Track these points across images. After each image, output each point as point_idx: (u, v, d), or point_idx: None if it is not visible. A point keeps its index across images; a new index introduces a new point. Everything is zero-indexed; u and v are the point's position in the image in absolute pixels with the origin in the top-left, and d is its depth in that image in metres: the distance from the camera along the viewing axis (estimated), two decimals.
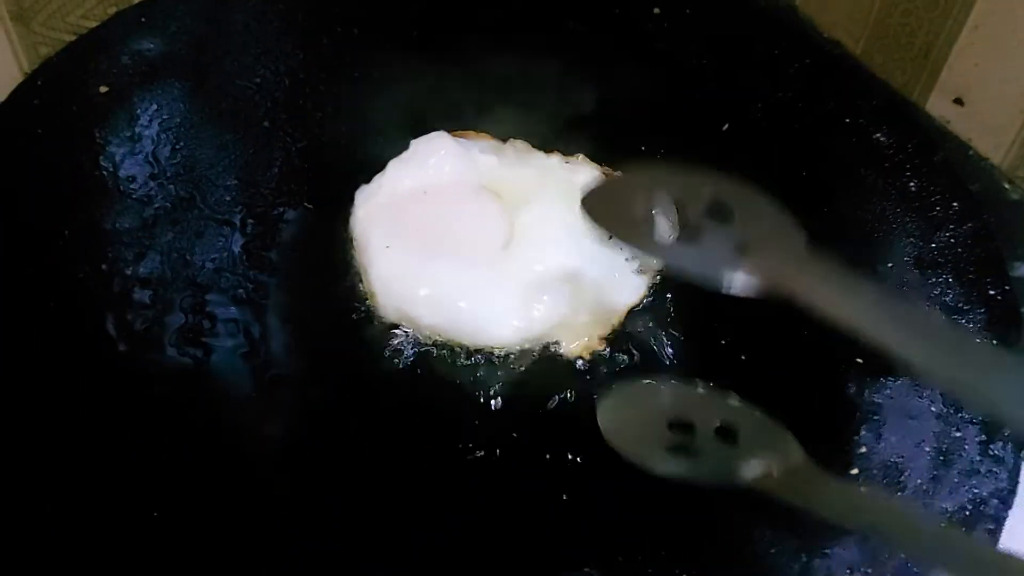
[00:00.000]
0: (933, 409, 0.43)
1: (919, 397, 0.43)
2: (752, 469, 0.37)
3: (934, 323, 0.40)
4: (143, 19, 0.57)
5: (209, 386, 0.44)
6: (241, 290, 0.47)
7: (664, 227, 0.41)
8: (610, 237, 0.44)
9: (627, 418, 0.40)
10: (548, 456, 0.41)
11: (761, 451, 0.38)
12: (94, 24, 0.60)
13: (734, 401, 0.40)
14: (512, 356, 0.45)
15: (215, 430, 0.43)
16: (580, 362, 0.45)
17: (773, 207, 0.41)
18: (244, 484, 0.41)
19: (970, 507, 0.39)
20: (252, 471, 0.42)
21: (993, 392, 0.33)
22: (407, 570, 0.39)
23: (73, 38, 0.58)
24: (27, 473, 0.40)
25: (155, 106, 0.53)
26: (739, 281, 0.39)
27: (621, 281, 0.47)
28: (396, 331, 0.46)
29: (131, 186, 0.50)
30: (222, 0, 0.59)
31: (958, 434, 0.42)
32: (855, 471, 0.41)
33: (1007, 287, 0.46)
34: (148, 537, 0.39)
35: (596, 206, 0.43)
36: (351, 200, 0.49)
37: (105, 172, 0.51)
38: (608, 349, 0.46)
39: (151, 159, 0.51)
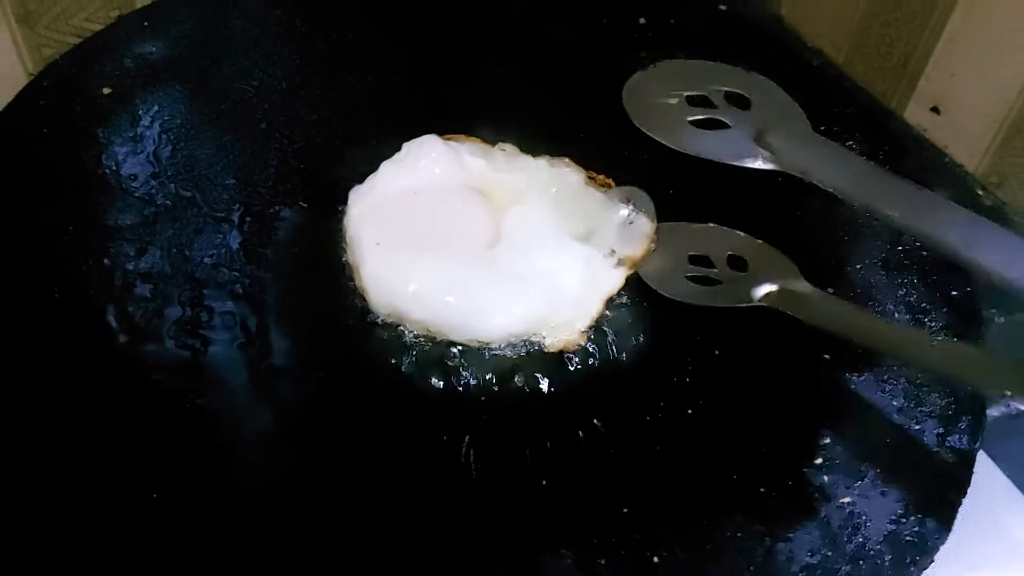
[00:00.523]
0: (895, 403, 0.44)
1: (881, 392, 0.45)
2: (760, 290, 0.45)
3: (926, 197, 0.44)
4: (146, 23, 0.58)
5: (206, 376, 0.45)
6: (238, 285, 0.48)
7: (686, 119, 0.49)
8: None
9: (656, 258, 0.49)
10: (529, 445, 0.43)
11: (766, 275, 0.46)
12: (97, 27, 0.62)
13: (741, 234, 0.49)
14: (498, 350, 0.46)
15: (211, 419, 0.44)
16: (563, 355, 0.46)
17: (783, 94, 0.49)
18: (238, 472, 0.42)
19: (927, 495, 0.41)
20: (246, 460, 0.43)
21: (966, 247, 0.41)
22: (390, 548, 0.40)
23: (77, 40, 0.60)
24: (28, 461, 0.41)
25: (156, 107, 0.55)
26: (759, 162, 0.47)
27: (601, 277, 0.49)
28: (386, 325, 0.47)
29: (133, 184, 0.51)
30: (222, 5, 0.60)
31: (917, 427, 0.43)
32: (819, 460, 0.42)
33: (968, 288, 0.48)
34: (143, 525, 0.40)
35: (632, 102, 0.50)
36: (345, 200, 0.51)
37: (108, 171, 0.52)
38: (589, 342, 0.47)
39: (152, 158, 0.53)
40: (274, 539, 0.40)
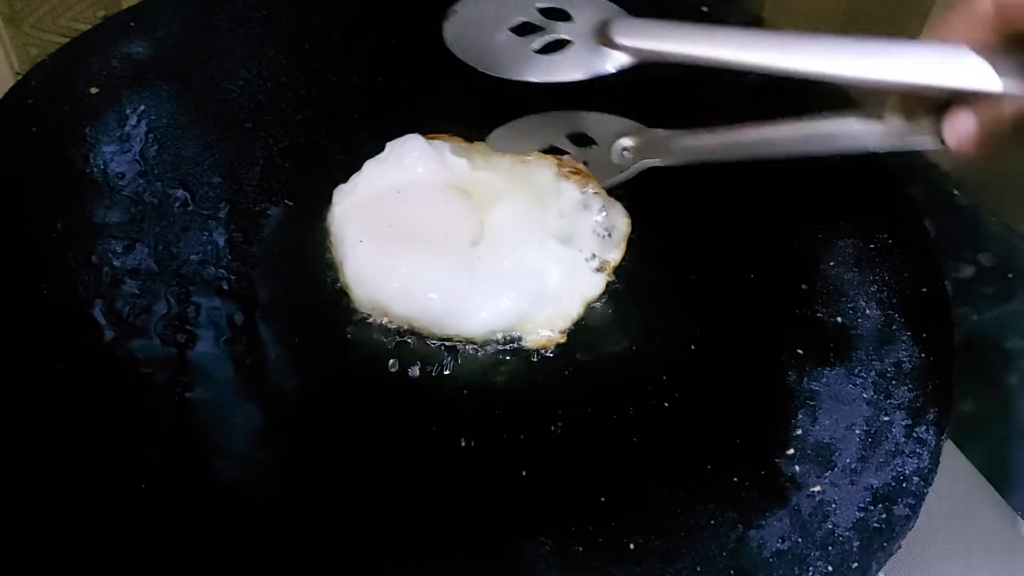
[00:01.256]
0: (864, 396, 0.45)
1: (852, 385, 0.46)
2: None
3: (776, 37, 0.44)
4: (132, 23, 0.59)
5: (193, 371, 0.45)
6: (224, 282, 0.49)
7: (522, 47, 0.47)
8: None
9: None
10: (506, 437, 0.44)
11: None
12: (83, 26, 0.62)
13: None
14: (479, 346, 0.47)
15: (199, 413, 0.44)
16: (542, 353, 0.47)
17: None
18: (225, 465, 0.43)
19: (894, 484, 0.42)
20: (233, 453, 0.43)
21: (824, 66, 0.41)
22: (374, 538, 0.41)
23: (63, 40, 0.60)
24: (15, 455, 0.42)
25: (143, 107, 0.55)
26: (611, 65, 0.46)
27: (581, 278, 0.50)
28: (370, 321, 0.48)
29: (120, 183, 0.52)
30: (208, 6, 0.61)
31: (886, 418, 0.44)
32: (791, 451, 0.43)
33: (939, 285, 0.49)
34: (131, 518, 0.40)
35: (458, 42, 0.48)
36: (329, 198, 0.51)
37: (95, 169, 0.52)
38: (568, 341, 0.48)
39: (139, 157, 0.53)
40: (262, 530, 0.41)
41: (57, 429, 0.43)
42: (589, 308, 0.49)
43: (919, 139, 0.42)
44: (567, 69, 0.48)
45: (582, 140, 0.54)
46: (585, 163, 0.52)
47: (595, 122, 0.54)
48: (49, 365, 0.45)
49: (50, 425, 0.43)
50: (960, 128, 0.39)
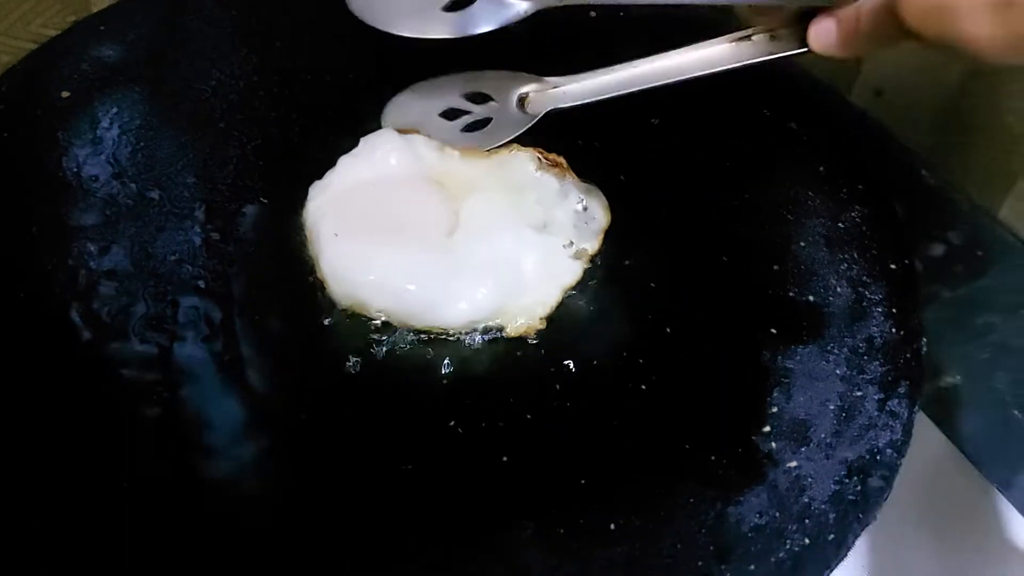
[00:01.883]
0: (838, 372, 0.46)
1: (825, 362, 0.46)
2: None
3: None
4: (102, 27, 0.59)
5: (172, 371, 0.46)
6: (201, 281, 0.49)
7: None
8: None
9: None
10: (488, 423, 0.44)
11: None
12: (53, 32, 0.62)
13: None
14: (459, 336, 0.48)
15: (180, 412, 0.44)
16: (522, 340, 0.48)
17: None
18: (207, 463, 0.43)
19: (868, 456, 0.43)
20: (215, 451, 0.44)
21: None
22: (357, 528, 0.41)
23: (33, 46, 0.60)
24: None
25: (115, 109, 0.55)
26: (519, 10, 0.47)
27: (558, 265, 0.50)
28: (349, 315, 0.48)
29: (94, 185, 0.52)
30: (177, 7, 0.61)
31: (859, 393, 0.45)
32: (767, 428, 0.44)
33: (907, 262, 0.50)
34: (113, 519, 0.41)
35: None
36: (304, 195, 0.52)
37: (69, 172, 0.52)
38: (548, 328, 0.48)
39: (112, 159, 0.53)
40: (248, 522, 0.41)
41: (37, 430, 0.43)
42: (567, 295, 0.50)
43: (788, 49, 0.48)
44: (468, 25, 0.49)
45: (480, 98, 0.55)
46: (489, 120, 0.54)
47: (490, 79, 0.55)
48: (28, 368, 0.45)
49: (29, 426, 0.43)
50: (823, 32, 0.45)
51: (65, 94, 0.55)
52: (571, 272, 0.50)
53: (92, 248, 0.50)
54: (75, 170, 0.53)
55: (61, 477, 0.42)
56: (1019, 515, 0.50)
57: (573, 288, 0.50)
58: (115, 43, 0.58)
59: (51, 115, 0.54)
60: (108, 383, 0.45)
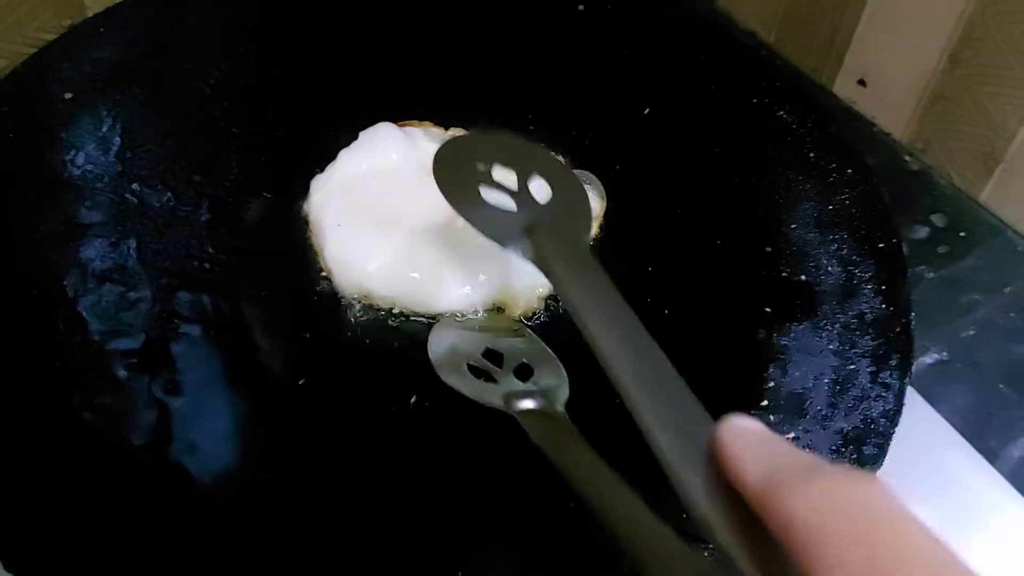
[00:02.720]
0: (831, 347, 0.47)
1: (818, 338, 0.48)
2: (527, 404, 0.42)
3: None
4: (101, 29, 0.59)
5: (180, 363, 0.46)
6: (208, 276, 0.50)
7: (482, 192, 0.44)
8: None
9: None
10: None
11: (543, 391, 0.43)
12: (50, 36, 0.63)
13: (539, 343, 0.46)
14: (463, 320, 0.48)
15: (186, 403, 0.45)
16: (524, 322, 0.49)
17: (582, 198, 0.43)
18: (213, 454, 0.44)
19: (862, 426, 0.44)
20: (222, 443, 0.44)
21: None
22: (354, 512, 0.42)
23: (30, 50, 0.60)
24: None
25: (118, 110, 0.56)
26: (519, 253, 0.43)
27: None
28: (355, 303, 0.49)
29: (100, 184, 0.53)
30: (175, 7, 0.61)
31: (852, 367, 0.47)
32: (765, 402, 0.46)
33: (894, 240, 0.52)
34: (117, 510, 0.41)
35: (440, 171, 0.45)
36: (306, 188, 0.53)
37: (74, 172, 0.53)
38: (547, 310, 0.49)
39: (116, 158, 0.54)
40: (249, 508, 0.42)
41: (45, 426, 0.44)
42: None
43: None
44: (489, 225, 0.45)
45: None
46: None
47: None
48: (37, 363, 0.46)
49: (37, 421, 0.44)
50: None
51: (68, 95, 0.56)
52: None
53: (100, 245, 0.51)
54: (80, 170, 0.53)
55: (66, 471, 0.42)
56: (1007, 484, 0.51)
57: None
58: (115, 44, 0.59)
59: (54, 116, 0.55)
60: (117, 376, 0.46)
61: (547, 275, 0.41)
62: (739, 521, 0.26)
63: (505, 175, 0.44)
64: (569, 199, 0.44)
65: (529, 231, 0.42)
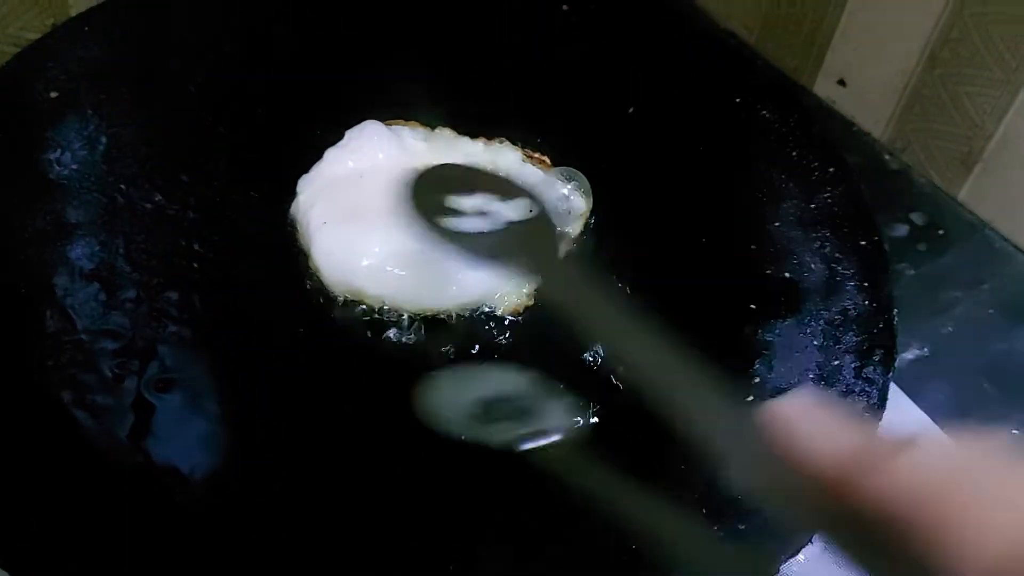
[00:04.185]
0: (815, 343, 0.48)
1: (803, 334, 0.49)
2: (538, 441, 0.43)
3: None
4: (87, 28, 0.59)
5: (168, 361, 0.47)
6: (196, 274, 0.50)
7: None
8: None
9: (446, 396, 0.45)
10: None
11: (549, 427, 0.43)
12: (33, 35, 0.63)
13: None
14: (452, 318, 0.49)
15: (175, 403, 0.45)
16: (512, 318, 0.49)
17: (548, 225, 0.45)
18: (206, 452, 0.44)
19: None
20: (213, 442, 0.45)
21: None
22: (344, 510, 0.42)
23: (14, 49, 0.60)
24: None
25: (104, 108, 0.56)
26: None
27: None
28: (344, 302, 0.49)
29: (87, 183, 0.53)
30: (160, 7, 0.61)
31: (836, 362, 0.47)
32: (751, 397, 0.46)
33: (875, 238, 0.52)
34: (113, 503, 0.41)
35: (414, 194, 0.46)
36: (293, 188, 0.53)
37: (62, 171, 0.53)
38: (535, 308, 0.50)
39: (103, 157, 0.54)
40: (237, 514, 0.42)
41: (35, 425, 0.44)
42: None
43: None
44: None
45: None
46: None
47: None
48: (26, 361, 0.46)
49: (27, 420, 0.44)
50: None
51: (54, 94, 0.56)
52: None
53: (88, 244, 0.50)
54: (66, 169, 0.53)
55: (56, 470, 0.42)
56: None
57: None
58: (101, 44, 0.58)
59: (41, 115, 0.55)
60: (105, 377, 0.46)
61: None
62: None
63: (470, 201, 0.46)
64: (534, 217, 0.46)
65: (499, 249, 0.44)
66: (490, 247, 0.44)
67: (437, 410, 0.43)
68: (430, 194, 0.46)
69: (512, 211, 0.46)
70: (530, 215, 0.46)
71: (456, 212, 0.45)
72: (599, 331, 0.38)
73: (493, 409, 0.44)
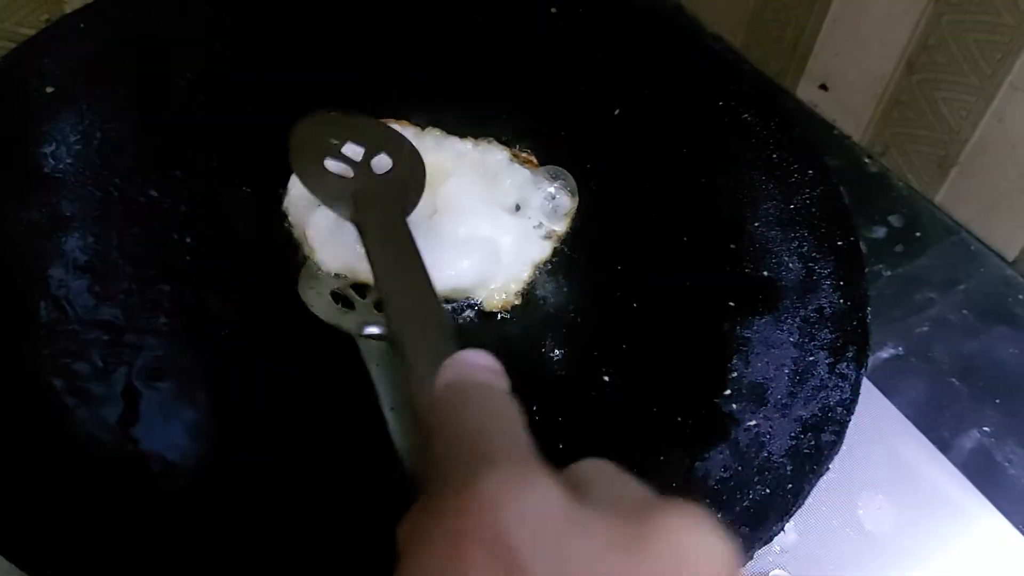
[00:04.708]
0: (791, 340, 0.49)
1: (779, 331, 0.50)
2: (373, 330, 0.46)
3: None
4: (82, 24, 0.59)
5: (163, 352, 0.47)
6: (190, 268, 0.51)
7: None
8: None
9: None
10: None
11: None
12: (28, 31, 0.63)
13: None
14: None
15: (172, 394, 0.46)
16: (498, 315, 0.50)
17: (418, 177, 0.49)
18: (201, 443, 0.45)
19: (820, 414, 0.46)
20: (209, 432, 0.45)
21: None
22: (337, 504, 0.43)
23: (9, 44, 0.61)
24: None
25: (100, 104, 0.56)
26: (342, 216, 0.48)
27: (530, 245, 0.53)
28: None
29: (82, 177, 0.53)
30: (155, 3, 0.62)
31: (811, 358, 0.49)
32: (728, 391, 0.47)
33: (852, 239, 0.54)
34: (105, 494, 0.42)
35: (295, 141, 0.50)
36: (285, 182, 0.53)
37: (57, 165, 0.53)
38: (522, 304, 0.51)
39: (98, 152, 0.54)
40: (231, 504, 0.43)
41: (26, 411, 0.44)
42: (539, 273, 0.53)
43: None
44: (320, 189, 0.50)
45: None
46: None
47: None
48: (18, 350, 0.46)
49: (17, 407, 0.44)
50: None
51: (49, 89, 0.56)
52: (542, 250, 0.53)
53: (84, 236, 0.51)
54: (61, 163, 0.54)
55: (48, 462, 0.43)
56: (959, 473, 0.53)
57: (544, 266, 0.53)
58: (96, 40, 0.59)
59: (37, 110, 0.55)
60: (99, 368, 0.47)
61: (360, 234, 0.46)
62: None
63: (354, 150, 0.49)
64: (404, 175, 0.49)
65: (355, 195, 0.47)
66: (350, 194, 0.47)
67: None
68: (321, 135, 0.50)
69: (378, 164, 0.49)
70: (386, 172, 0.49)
71: (337, 155, 0.49)
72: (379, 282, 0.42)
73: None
